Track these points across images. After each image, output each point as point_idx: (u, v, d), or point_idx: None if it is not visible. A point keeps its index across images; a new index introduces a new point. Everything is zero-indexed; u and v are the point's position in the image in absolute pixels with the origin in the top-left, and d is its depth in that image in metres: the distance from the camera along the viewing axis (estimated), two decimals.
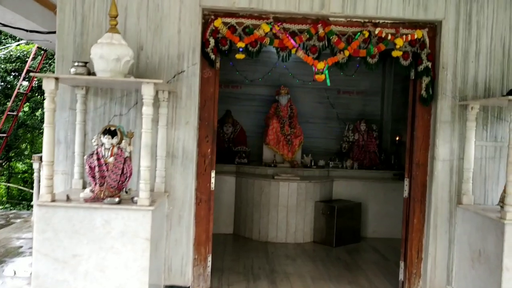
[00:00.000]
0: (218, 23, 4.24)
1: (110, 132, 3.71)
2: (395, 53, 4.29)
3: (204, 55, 4.25)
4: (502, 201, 3.89)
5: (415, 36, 4.27)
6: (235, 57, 4.35)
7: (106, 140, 3.71)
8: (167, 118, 4.11)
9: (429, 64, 4.27)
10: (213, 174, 4.41)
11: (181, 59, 4.17)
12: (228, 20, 4.28)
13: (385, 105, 8.42)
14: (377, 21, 4.31)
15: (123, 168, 3.72)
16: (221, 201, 6.85)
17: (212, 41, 4.23)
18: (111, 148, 3.73)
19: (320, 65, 4.27)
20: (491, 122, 4.24)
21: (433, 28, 4.32)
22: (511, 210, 3.48)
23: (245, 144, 7.90)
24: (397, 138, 7.50)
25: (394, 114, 8.24)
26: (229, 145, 7.95)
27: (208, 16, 4.28)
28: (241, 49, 4.32)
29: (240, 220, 6.86)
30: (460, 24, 4.21)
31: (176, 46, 4.16)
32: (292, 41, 4.27)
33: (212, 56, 4.25)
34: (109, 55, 3.53)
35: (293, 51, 4.30)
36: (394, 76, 8.32)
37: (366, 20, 4.31)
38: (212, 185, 4.42)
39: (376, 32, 4.25)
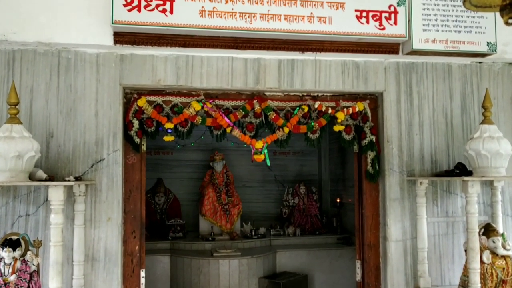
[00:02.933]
0: (142, 102, 3.75)
1: (11, 243, 3.05)
2: (337, 128, 4.01)
3: (127, 138, 3.73)
4: (462, 285, 3.61)
5: (357, 109, 4.02)
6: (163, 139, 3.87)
7: (5, 254, 3.03)
8: (85, 215, 3.49)
9: (373, 137, 4.02)
10: (143, 273, 3.80)
11: (99, 145, 3.61)
12: (153, 98, 3.82)
13: (323, 165, 8.22)
14: (316, 94, 4.03)
15: (28, 287, 3.04)
16: (154, 286, 6.13)
17: (136, 122, 3.73)
18: (12, 263, 3.05)
19: (259, 145, 3.88)
20: (441, 196, 4.02)
21: (375, 99, 4.11)
22: None
23: (179, 216, 7.28)
24: (338, 200, 7.24)
25: (332, 174, 8.03)
26: (162, 216, 7.31)
27: (131, 95, 3.79)
28: (169, 130, 3.85)
29: None
30: (402, 96, 4.02)
31: (93, 130, 3.61)
32: (226, 119, 3.87)
33: (137, 140, 3.73)
34: (7, 153, 2.92)
35: (228, 130, 3.89)
36: (329, 135, 8.17)
37: (305, 94, 4.01)
38: (143, 287, 3.80)
39: (316, 106, 3.96)
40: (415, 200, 3.89)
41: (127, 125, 3.73)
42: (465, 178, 3.21)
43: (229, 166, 7.47)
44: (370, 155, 4.03)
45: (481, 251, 3.51)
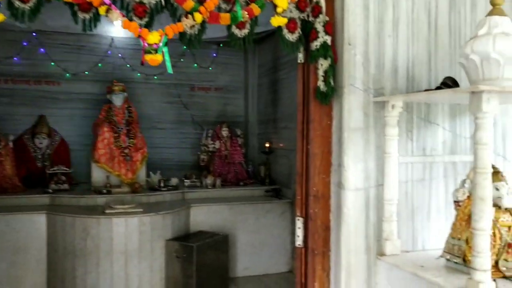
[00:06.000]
0: None
1: None
2: (276, 21, 2.63)
3: None
4: (450, 252, 2.49)
5: None
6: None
7: None
8: None
9: (328, 38, 2.70)
10: None
11: None
12: None
13: (250, 104, 6.90)
14: None
15: None
16: (26, 253, 4.61)
17: None
18: None
19: (153, 38, 2.41)
20: (417, 127, 2.83)
21: None
22: (484, 279, 2.05)
23: (67, 163, 5.70)
24: (267, 145, 6.00)
25: (261, 114, 6.76)
26: (45, 164, 5.68)
27: None
28: None
29: (57, 279, 4.66)
30: None
31: None
32: None
33: None
34: None
35: (102, 11, 2.38)
36: (258, 68, 6.83)
37: None
38: None
39: None
40: (383, 132, 2.68)
41: None
42: (481, 87, 2.01)
43: (134, 103, 5.95)
44: (323, 64, 2.72)
45: None
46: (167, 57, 2.48)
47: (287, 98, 5.72)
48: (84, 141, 5.96)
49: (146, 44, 2.42)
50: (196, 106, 6.72)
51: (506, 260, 2.37)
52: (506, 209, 2.44)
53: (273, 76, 6.23)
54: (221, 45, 6.52)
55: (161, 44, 2.42)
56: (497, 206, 2.42)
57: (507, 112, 3.01)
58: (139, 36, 2.43)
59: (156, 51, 2.43)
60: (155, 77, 6.34)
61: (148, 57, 2.42)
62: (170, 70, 2.54)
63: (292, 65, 4.98)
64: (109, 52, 6.20)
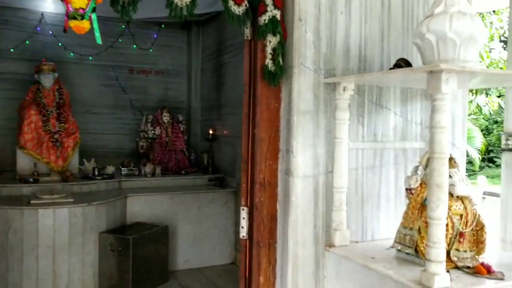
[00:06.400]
0: None
1: None
2: None
3: None
4: (401, 242, 2.37)
5: None
6: None
7: None
8: None
9: (277, 13, 2.49)
10: None
11: None
12: None
13: (193, 89, 6.59)
14: None
15: None
16: None
17: None
18: None
19: (79, 1, 2.09)
20: (368, 111, 2.69)
21: None
22: (439, 271, 1.93)
23: None
24: (211, 132, 5.74)
25: (204, 100, 6.48)
26: None
27: None
28: None
29: None
30: None
31: None
32: None
33: None
34: None
35: None
36: (202, 52, 6.53)
37: None
38: None
39: None
40: (334, 115, 2.51)
41: None
42: (442, 66, 1.86)
43: (67, 85, 5.48)
44: (271, 41, 2.51)
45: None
46: (95, 25, 2.17)
47: (232, 83, 5.48)
48: (8, 125, 5.43)
49: (70, 9, 2.10)
50: (135, 90, 6.32)
51: (457, 250, 2.28)
52: (458, 197, 2.34)
53: (217, 60, 5.96)
54: (163, 26, 6.17)
55: (88, 9, 2.10)
56: (449, 194, 2.31)
57: (455, 97, 2.93)
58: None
59: (82, 17, 2.11)
60: (90, 58, 5.89)
61: (72, 24, 2.11)
62: (99, 40, 2.23)
63: (238, 48, 4.74)
64: (38, 28, 5.67)
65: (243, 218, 2.72)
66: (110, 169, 5.34)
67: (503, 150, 3.42)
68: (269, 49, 2.51)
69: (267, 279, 2.63)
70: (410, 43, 2.69)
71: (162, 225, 4.81)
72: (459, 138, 2.94)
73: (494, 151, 15.06)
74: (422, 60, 2.28)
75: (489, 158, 14.82)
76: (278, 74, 2.51)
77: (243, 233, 2.73)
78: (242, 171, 2.73)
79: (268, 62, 2.51)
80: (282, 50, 2.51)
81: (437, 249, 1.93)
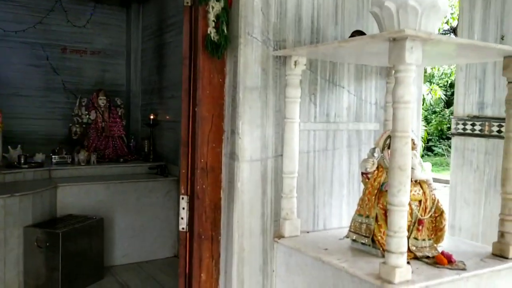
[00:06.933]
0: None
1: None
2: None
3: None
4: (357, 232, 2.17)
5: None
6: None
7: None
8: None
9: None
10: None
11: None
12: None
13: (132, 71, 6.16)
14: None
15: None
16: None
17: None
18: None
19: None
20: (321, 89, 2.46)
21: None
22: (400, 264, 1.73)
23: None
24: (152, 117, 5.36)
25: (145, 83, 6.07)
26: None
27: None
28: None
29: None
30: None
31: None
32: None
33: None
34: None
35: None
36: (142, 31, 6.10)
37: None
38: None
39: None
40: (284, 93, 2.26)
41: None
42: (407, 31, 1.65)
43: None
44: (214, 7, 2.21)
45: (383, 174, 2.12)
46: None
47: (174, 64, 5.12)
48: None
49: None
50: (68, 71, 5.82)
51: (416, 238, 2.11)
52: (416, 181, 2.16)
53: (159, 40, 5.57)
54: (91, 13, 5.70)
55: None
56: None
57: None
58: None
59: None
60: (16, 33, 5.31)
61: None
62: None
63: (180, 27, 4.38)
64: None
65: (183, 208, 2.43)
66: (39, 156, 4.86)
67: (453, 134, 3.33)
68: (211, 16, 2.21)
69: (209, 275, 2.36)
70: (366, 13, 2.48)
71: (97, 217, 4.41)
72: (414, 120, 2.78)
73: (433, 140, 15.68)
74: (380, 31, 2.06)
75: (428, 147, 15.45)
76: (222, 45, 2.22)
77: (183, 224, 2.43)
78: (182, 155, 2.43)
79: (211, 31, 2.22)
80: (227, 18, 2.22)
81: (398, 239, 1.74)
